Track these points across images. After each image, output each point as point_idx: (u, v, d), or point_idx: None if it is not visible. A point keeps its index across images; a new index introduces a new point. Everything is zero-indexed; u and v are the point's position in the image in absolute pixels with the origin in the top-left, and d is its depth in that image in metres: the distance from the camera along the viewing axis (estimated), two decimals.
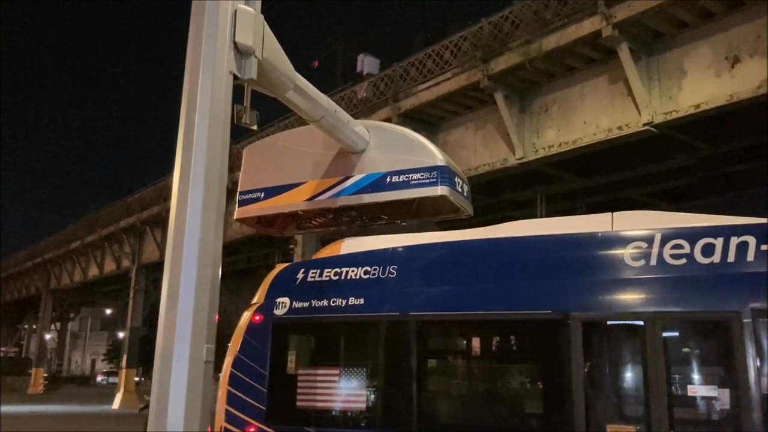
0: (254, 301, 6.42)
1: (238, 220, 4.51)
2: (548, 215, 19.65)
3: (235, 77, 3.05)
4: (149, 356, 2.73)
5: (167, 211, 2.67)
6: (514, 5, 14.75)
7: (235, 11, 3.03)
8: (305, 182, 4.36)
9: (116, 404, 32.23)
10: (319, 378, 5.95)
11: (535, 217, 19.65)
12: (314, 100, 3.62)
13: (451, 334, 6.14)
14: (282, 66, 3.32)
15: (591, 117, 14.16)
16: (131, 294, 34.01)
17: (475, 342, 6.09)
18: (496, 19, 15.13)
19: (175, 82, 3.15)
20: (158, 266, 30.94)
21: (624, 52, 12.84)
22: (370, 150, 4.21)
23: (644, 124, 13.06)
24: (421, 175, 4.17)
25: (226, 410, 6.07)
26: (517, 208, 21.26)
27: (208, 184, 2.79)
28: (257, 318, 6.20)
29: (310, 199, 4.31)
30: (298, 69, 3.61)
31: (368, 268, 5.93)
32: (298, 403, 5.96)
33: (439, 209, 5.02)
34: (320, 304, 5.97)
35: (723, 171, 17.02)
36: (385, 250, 6.03)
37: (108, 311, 68.76)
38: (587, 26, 13.16)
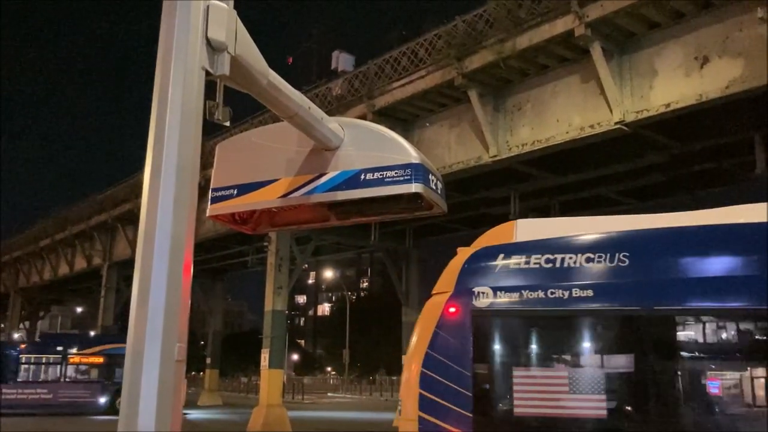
0: (438, 289, 5.61)
1: (210, 217, 4.45)
2: (522, 213, 19.85)
3: (208, 73, 3.01)
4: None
5: (139, 208, 2.65)
6: (488, 4, 14.83)
7: (208, 6, 2.99)
8: (279, 179, 4.30)
9: None
10: (540, 380, 5.19)
11: (508, 215, 19.82)
12: (288, 96, 3.59)
13: (714, 331, 5.19)
14: (255, 62, 3.29)
15: (564, 115, 14.30)
16: (103, 292, 33.59)
17: (749, 340, 5.17)
18: (470, 17, 15.19)
19: (147, 77, 3.10)
20: (130, 264, 30.49)
21: (596, 51, 12.98)
22: (344, 147, 4.18)
23: (616, 123, 13.23)
24: (396, 173, 4.14)
25: (420, 418, 5.19)
26: (492, 206, 21.42)
27: (179, 180, 2.75)
28: (452, 310, 5.35)
29: (283, 197, 4.26)
30: (272, 66, 3.58)
31: (591, 255, 5.15)
32: (517, 410, 5.10)
33: (412, 207, 4.99)
34: (534, 295, 5.17)
35: (693, 169, 17.32)
36: (609, 234, 5.32)
37: (79, 309, 67.81)
38: (560, 25, 13.28)
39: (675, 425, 4.87)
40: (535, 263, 5.26)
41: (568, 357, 5.34)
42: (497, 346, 5.52)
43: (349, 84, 18.47)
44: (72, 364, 27.85)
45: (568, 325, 5.33)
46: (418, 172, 4.26)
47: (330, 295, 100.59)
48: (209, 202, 4.44)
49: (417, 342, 5.44)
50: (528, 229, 5.60)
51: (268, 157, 4.40)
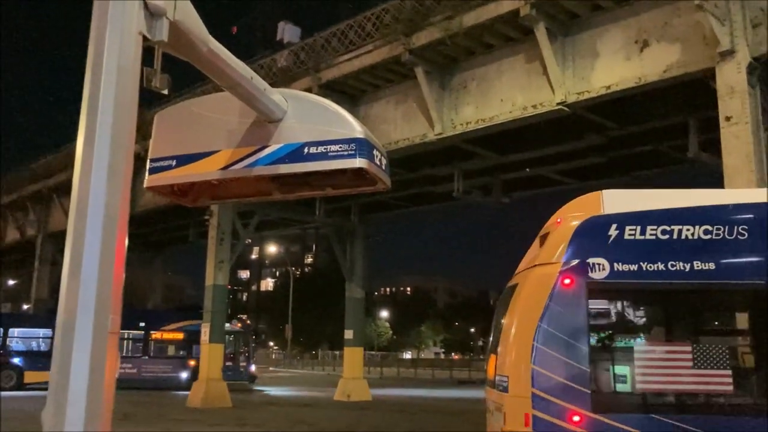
0: (543, 260, 5.38)
1: (148, 188, 4.34)
2: (465, 191, 20.08)
3: (145, 38, 2.92)
4: None
5: None
6: None
7: None
8: (219, 151, 4.21)
9: None
10: (664, 355, 5.05)
11: (452, 193, 20.03)
12: (229, 65, 3.52)
13: None
14: (195, 29, 3.21)
15: (507, 95, 14.47)
16: (37, 264, 32.57)
17: None
18: None
19: (83, 44, 2.99)
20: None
21: (540, 32, 13.13)
22: (287, 119, 4.13)
23: (558, 104, 13.45)
24: (340, 147, 4.12)
25: (534, 395, 4.95)
26: (436, 184, 21.59)
27: (114, 149, 2.68)
28: (567, 282, 5.07)
29: (224, 169, 4.18)
30: (215, 35, 3.50)
31: (708, 228, 5.05)
32: (638, 386, 4.97)
33: (357, 182, 4.98)
34: (653, 267, 5.02)
35: (630, 151, 17.81)
36: (724, 207, 5.20)
37: (11, 282, 65.57)
38: (506, 4, 13.38)
39: None
40: (651, 234, 5.13)
41: (689, 330, 5.25)
42: (616, 319, 5.35)
43: (295, 56, 18.21)
44: (154, 340, 28.70)
45: (690, 298, 5.28)
46: (362, 146, 4.25)
47: (274, 270, 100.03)
48: (147, 173, 4.33)
49: (525, 315, 5.18)
50: (615, 199, 5.46)
51: (208, 128, 4.30)
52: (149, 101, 19.49)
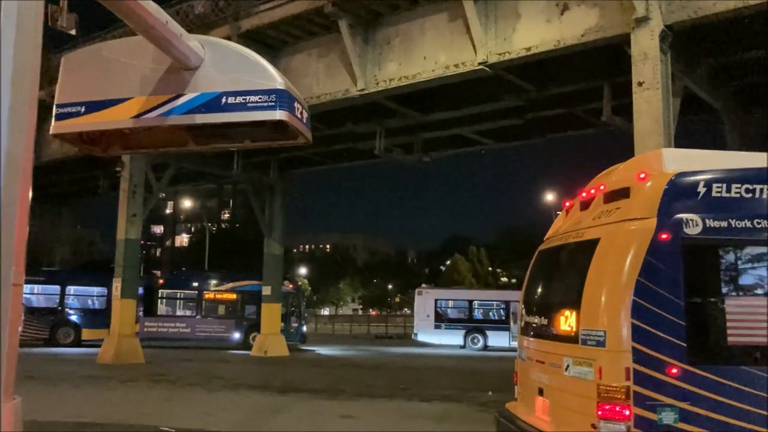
0: (631, 215, 5.43)
1: (55, 135, 4.10)
2: (387, 149, 20.13)
3: None
4: None
5: None
6: None
7: None
8: (132, 98, 4.00)
9: None
10: (755, 309, 5.20)
11: (374, 150, 20.03)
12: (142, 7, 3.34)
13: None
14: None
15: (431, 53, 14.46)
16: None
17: None
18: None
19: None
20: None
21: None
22: (205, 67, 3.96)
23: (479, 63, 13.56)
24: (259, 98, 4.01)
25: (634, 348, 5.04)
26: (358, 141, 21.52)
27: (16, 92, 2.51)
28: (664, 236, 5.17)
29: (137, 117, 3.99)
30: None
31: None
32: (731, 339, 5.14)
33: (276, 135, 4.88)
34: (740, 224, 5.23)
35: (547, 114, 18.25)
36: None
37: None
38: None
39: None
40: (735, 192, 5.32)
41: None
42: (709, 274, 5.49)
43: (214, 3, 17.53)
44: (207, 300, 29.23)
45: None
46: (282, 98, 4.14)
47: (189, 225, 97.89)
48: (53, 119, 4.08)
49: (620, 270, 5.25)
50: (676, 158, 5.60)
51: (120, 74, 4.09)
52: (57, 44, 18.39)
